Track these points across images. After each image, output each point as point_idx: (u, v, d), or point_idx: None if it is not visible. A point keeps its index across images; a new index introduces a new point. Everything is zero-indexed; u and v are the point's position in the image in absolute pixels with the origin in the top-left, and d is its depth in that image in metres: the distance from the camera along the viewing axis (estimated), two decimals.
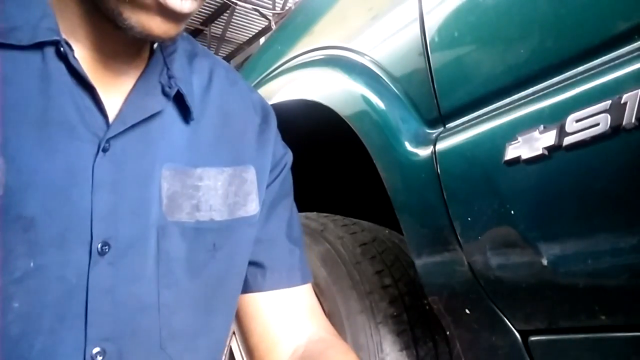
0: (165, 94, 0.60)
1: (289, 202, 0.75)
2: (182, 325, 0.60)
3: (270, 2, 8.57)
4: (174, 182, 0.60)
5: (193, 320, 0.61)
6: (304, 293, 0.73)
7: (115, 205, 0.55)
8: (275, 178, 0.72)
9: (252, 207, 0.67)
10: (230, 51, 10.03)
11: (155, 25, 0.53)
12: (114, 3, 0.51)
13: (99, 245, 0.54)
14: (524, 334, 0.73)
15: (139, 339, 0.56)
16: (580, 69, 0.61)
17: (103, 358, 0.53)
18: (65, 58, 0.54)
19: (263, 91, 1.26)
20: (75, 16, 0.56)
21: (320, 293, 1.00)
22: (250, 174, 0.67)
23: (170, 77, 0.61)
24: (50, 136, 0.52)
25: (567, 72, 0.63)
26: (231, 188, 0.64)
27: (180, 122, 0.62)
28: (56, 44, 0.53)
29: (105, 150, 0.55)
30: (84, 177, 0.54)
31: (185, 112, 0.62)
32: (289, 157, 0.75)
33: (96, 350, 0.53)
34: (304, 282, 0.73)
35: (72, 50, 0.54)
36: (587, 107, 0.58)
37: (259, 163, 0.69)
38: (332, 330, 0.73)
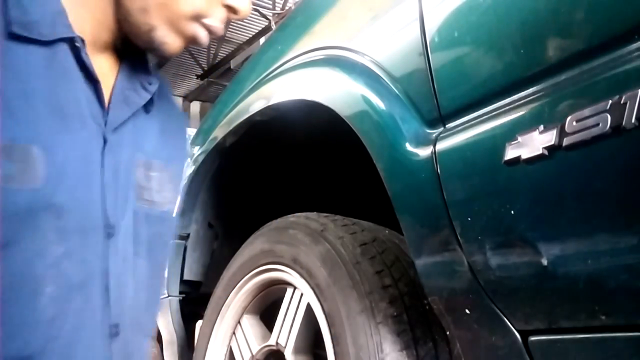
0: (144, 88, 0.65)
1: None
2: (146, 300, 0.67)
3: (270, 2, 8.56)
4: (141, 170, 0.66)
5: (149, 296, 0.69)
6: None
7: (116, 193, 0.61)
8: None
9: (177, 203, 0.75)
10: (230, 51, 10.01)
11: (176, 45, 0.61)
12: (155, 19, 0.58)
13: (109, 231, 0.59)
14: (524, 334, 0.73)
15: (131, 312, 0.64)
16: (580, 69, 0.61)
17: (117, 330, 0.61)
18: (75, 52, 0.57)
19: (263, 91, 1.26)
20: (90, 16, 0.60)
21: (320, 293, 1.00)
22: (180, 172, 0.75)
23: (149, 74, 0.67)
24: (70, 127, 0.56)
25: (567, 72, 0.62)
26: (169, 185, 0.71)
27: (144, 115, 0.67)
28: (71, 39, 0.57)
29: (106, 141, 0.60)
30: (96, 166, 0.59)
31: (148, 104, 0.67)
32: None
33: (114, 323, 0.60)
34: None
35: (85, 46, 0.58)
36: (587, 107, 0.58)
37: (182, 164, 0.77)
38: None
